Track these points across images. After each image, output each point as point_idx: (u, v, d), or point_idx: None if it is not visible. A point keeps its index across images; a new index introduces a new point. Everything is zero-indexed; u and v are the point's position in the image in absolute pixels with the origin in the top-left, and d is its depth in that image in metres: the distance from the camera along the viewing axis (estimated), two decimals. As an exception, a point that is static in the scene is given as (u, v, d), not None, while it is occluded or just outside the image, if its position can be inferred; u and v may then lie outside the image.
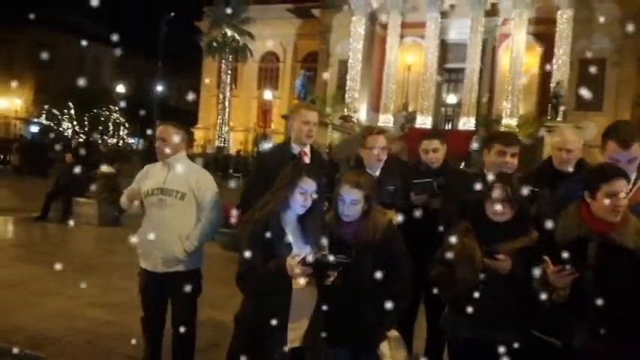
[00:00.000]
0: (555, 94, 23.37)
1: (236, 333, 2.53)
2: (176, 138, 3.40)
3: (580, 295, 2.27)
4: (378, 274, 2.54)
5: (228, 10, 31.03)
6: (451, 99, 29.69)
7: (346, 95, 28.44)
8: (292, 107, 3.90)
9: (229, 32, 32.57)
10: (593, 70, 25.19)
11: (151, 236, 3.22)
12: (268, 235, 2.40)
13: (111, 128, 41.39)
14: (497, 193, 2.57)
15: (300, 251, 2.38)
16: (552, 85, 24.37)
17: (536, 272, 2.29)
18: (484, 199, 2.63)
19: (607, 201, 2.27)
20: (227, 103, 33.90)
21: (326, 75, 29.28)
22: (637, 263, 2.24)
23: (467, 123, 26.60)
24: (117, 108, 40.00)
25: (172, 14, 30.21)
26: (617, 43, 25.44)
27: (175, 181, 3.37)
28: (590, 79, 24.77)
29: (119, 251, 7.51)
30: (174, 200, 3.35)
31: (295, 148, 3.57)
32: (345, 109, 27.97)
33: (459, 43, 27.91)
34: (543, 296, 2.32)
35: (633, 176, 2.61)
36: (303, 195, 2.48)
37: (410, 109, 29.10)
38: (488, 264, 2.52)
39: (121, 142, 41.64)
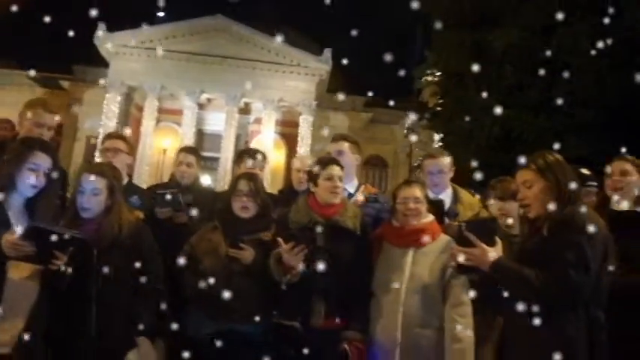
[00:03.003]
0: (298, 186, 26.25)
1: None
2: None
3: (313, 275, 2.49)
4: (129, 272, 2.36)
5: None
6: (206, 183, 30.35)
7: (94, 173, 26.53)
8: (27, 102, 3.21)
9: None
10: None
11: None
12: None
13: None
14: (241, 186, 2.73)
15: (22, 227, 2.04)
16: (295, 178, 27.41)
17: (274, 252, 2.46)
18: (231, 195, 2.75)
19: (327, 183, 2.66)
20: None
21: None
22: (356, 241, 2.61)
23: (220, 208, 27.44)
24: None
25: None
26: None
27: None
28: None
29: None
30: None
31: None
32: (93, 187, 25.88)
33: (215, 134, 29.25)
34: (279, 277, 2.48)
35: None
36: (35, 172, 2.19)
37: (164, 192, 28.62)
38: (233, 254, 2.59)
39: None
